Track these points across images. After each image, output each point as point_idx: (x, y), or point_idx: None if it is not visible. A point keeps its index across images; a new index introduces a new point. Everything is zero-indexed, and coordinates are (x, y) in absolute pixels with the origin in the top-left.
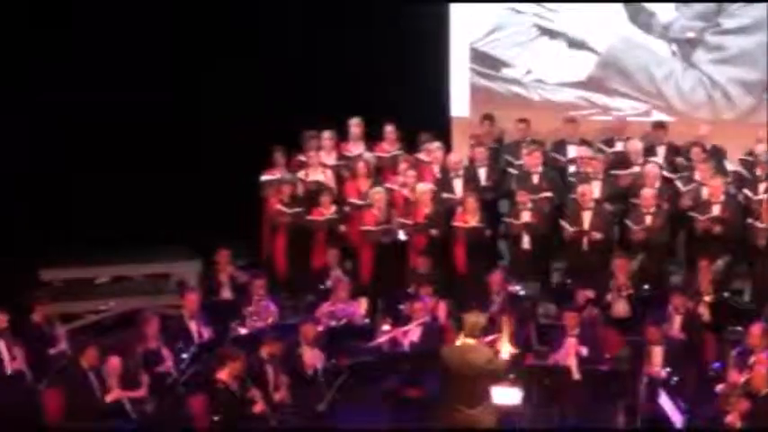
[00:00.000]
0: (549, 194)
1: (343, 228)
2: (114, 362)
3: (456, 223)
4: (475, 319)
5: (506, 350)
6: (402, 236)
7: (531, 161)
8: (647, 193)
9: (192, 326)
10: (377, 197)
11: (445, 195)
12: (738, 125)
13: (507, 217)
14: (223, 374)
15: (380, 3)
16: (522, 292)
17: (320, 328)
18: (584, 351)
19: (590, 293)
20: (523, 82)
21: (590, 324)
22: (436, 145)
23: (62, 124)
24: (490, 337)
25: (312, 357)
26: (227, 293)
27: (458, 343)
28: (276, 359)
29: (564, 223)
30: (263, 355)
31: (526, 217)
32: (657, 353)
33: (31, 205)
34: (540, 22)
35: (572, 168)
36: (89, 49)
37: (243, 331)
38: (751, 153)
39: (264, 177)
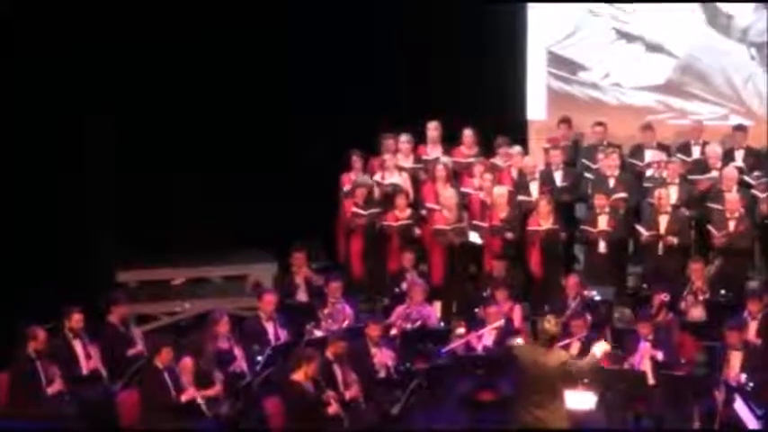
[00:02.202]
0: (623, 195)
1: (418, 231)
2: (187, 361)
3: (530, 227)
4: (547, 325)
5: (600, 348)
6: (477, 239)
7: (608, 164)
8: (732, 197)
9: (270, 327)
10: (448, 198)
11: (520, 198)
12: None
13: (584, 221)
14: (298, 376)
15: (460, 5)
16: (597, 298)
17: (394, 331)
18: (660, 355)
19: (666, 296)
20: (600, 85)
21: (666, 328)
22: (516, 149)
23: (142, 127)
24: (563, 342)
25: (383, 357)
26: (302, 295)
27: (531, 344)
28: (342, 358)
29: (639, 227)
30: (328, 355)
31: (603, 221)
32: (736, 357)
33: (110, 207)
34: (617, 25)
35: (649, 172)
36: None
37: (318, 333)
38: None
39: (345, 188)
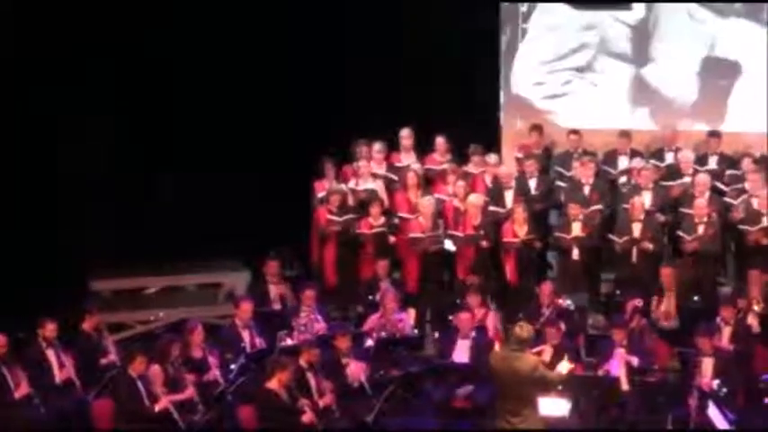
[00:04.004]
0: (599, 207)
1: (393, 239)
2: (155, 369)
3: (506, 238)
4: (519, 331)
5: (565, 367)
6: (450, 246)
7: (584, 172)
8: (700, 203)
9: (246, 335)
10: (425, 205)
11: (492, 208)
12: None
13: (557, 229)
14: (273, 384)
15: (432, 12)
16: (571, 307)
17: (370, 341)
18: (635, 361)
19: (639, 302)
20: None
21: (639, 334)
22: (492, 157)
23: (117, 130)
24: (536, 349)
25: (355, 370)
26: (277, 304)
27: (504, 350)
28: (316, 366)
29: (613, 237)
30: (302, 363)
31: (576, 229)
32: (708, 364)
33: (81, 215)
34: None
35: (623, 179)
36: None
37: (290, 341)
38: None
39: (318, 195)
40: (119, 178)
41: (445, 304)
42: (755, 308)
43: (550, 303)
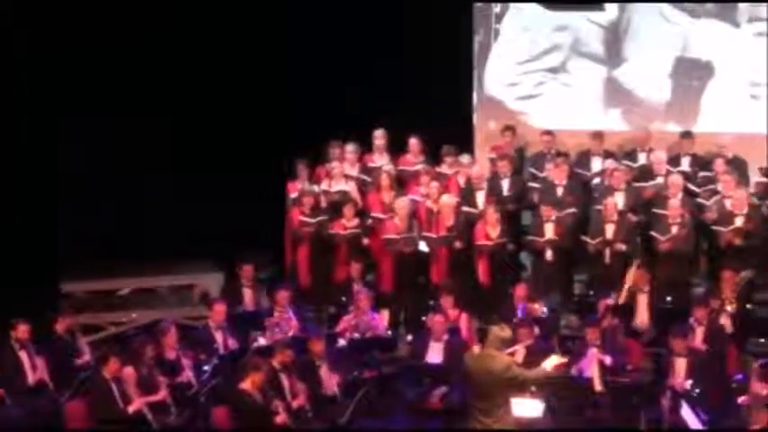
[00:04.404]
0: (573, 210)
1: (366, 241)
2: (129, 371)
3: (478, 241)
4: (499, 331)
5: (553, 361)
6: (424, 247)
7: (557, 174)
8: (675, 203)
9: (219, 336)
10: (400, 207)
11: (465, 209)
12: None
13: (531, 230)
14: (246, 385)
15: (405, 12)
16: (544, 313)
17: (342, 341)
18: (608, 360)
19: (611, 301)
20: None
21: (612, 333)
22: (465, 158)
23: (85, 132)
24: (509, 349)
25: (329, 382)
26: (251, 305)
27: (479, 351)
28: (289, 367)
29: (586, 239)
30: (275, 364)
31: (549, 231)
32: (681, 364)
33: (54, 216)
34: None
35: (596, 180)
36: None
37: (263, 342)
38: None
39: (291, 195)
40: (92, 178)
41: (419, 306)
42: (728, 308)
43: (524, 306)
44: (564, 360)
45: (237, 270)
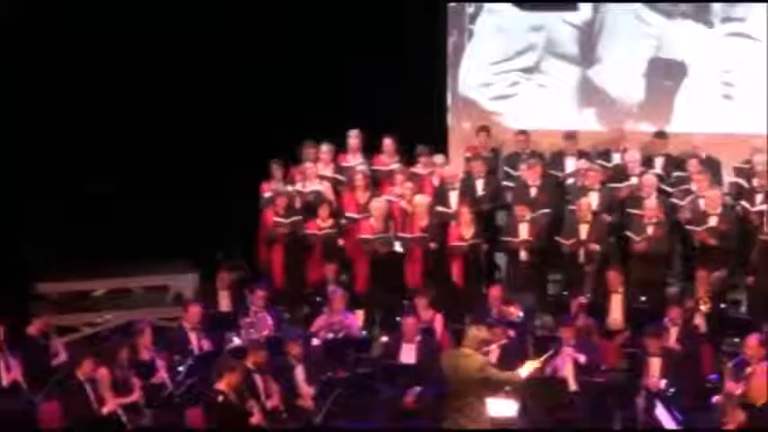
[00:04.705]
0: (547, 211)
1: (341, 241)
2: (103, 372)
3: (452, 242)
4: (476, 331)
5: (529, 367)
6: (399, 248)
7: (531, 175)
8: (651, 204)
9: (193, 338)
10: (376, 207)
11: (439, 209)
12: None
13: (505, 230)
14: (221, 385)
15: (379, 12)
16: (520, 317)
17: (316, 341)
18: (582, 358)
19: (584, 299)
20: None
21: (586, 333)
22: (439, 158)
23: (52, 136)
24: (485, 349)
25: (306, 393)
26: (226, 307)
27: (455, 350)
28: (263, 368)
29: (560, 239)
30: (249, 365)
31: (524, 231)
32: (655, 364)
33: (27, 218)
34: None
35: (570, 180)
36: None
37: (237, 342)
38: (747, 162)
39: (265, 195)
40: (65, 179)
41: (394, 306)
42: (702, 308)
43: (498, 308)
44: (539, 366)
45: (216, 280)
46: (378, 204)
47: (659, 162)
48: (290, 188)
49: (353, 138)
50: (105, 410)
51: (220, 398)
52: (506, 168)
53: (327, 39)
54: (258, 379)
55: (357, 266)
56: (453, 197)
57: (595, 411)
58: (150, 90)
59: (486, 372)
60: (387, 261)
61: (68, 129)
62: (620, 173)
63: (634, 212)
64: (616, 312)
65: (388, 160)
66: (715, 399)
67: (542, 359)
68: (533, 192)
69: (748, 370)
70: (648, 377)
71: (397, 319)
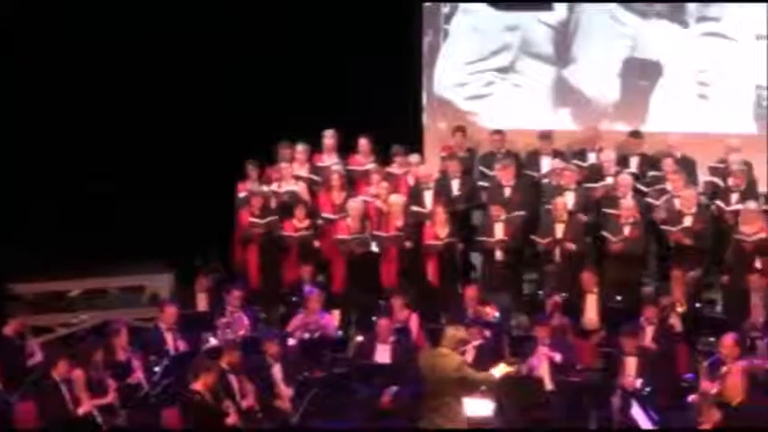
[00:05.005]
0: (521, 213)
1: (317, 243)
2: (78, 373)
3: (427, 242)
4: (454, 331)
5: (501, 370)
6: (375, 248)
7: (505, 175)
8: (627, 203)
9: (169, 338)
10: (353, 207)
11: (413, 209)
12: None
13: (480, 230)
14: (198, 385)
15: (353, 12)
16: (495, 317)
17: (293, 341)
18: (558, 357)
19: (559, 298)
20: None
21: (561, 332)
22: (414, 157)
23: (29, 136)
24: (462, 348)
25: (282, 381)
26: (203, 307)
27: (432, 350)
28: (237, 368)
29: (536, 238)
30: (223, 365)
31: (499, 231)
32: (631, 363)
33: (1, 218)
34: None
35: (545, 180)
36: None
37: (213, 342)
38: (722, 162)
39: (240, 195)
40: (39, 180)
41: (370, 306)
42: (679, 310)
43: (474, 308)
44: (511, 369)
45: (191, 278)
46: (354, 205)
47: (634, 162)
48: (265, 188)
49: (329, 138)
50: (81, 411)
51: (196, 398)
52: (482, 168)
53: (302, 39)
54: (233, 379)
55: (333, 266)
56: (428, 197)
57: (571, 411)
58: (125, 93)
59: (463, 371)
60: (363, 261)
61: (49, 128)
62: (596, 173)
63: (610, 212)
64: (591, 312)
65: (363, 160)
66: (690, 398)
67: (515, 363)
68: (507, 192)
69: (723, 369)
70: (624, 376)
71: (373, 318)
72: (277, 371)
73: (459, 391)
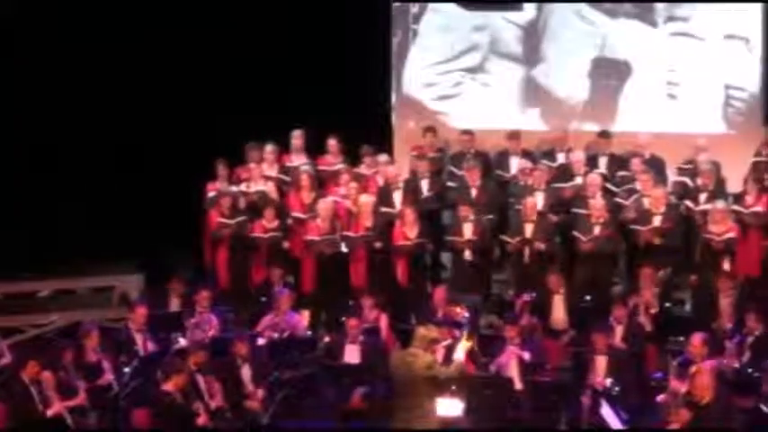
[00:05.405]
0: (490, 217)
1: (287, 244)
2: (47, 375)
3: (397, 242)
4: (425, 331)
5: (463, 347)
6: (344, 248)
7: (470, 176)
8: (596, 203)
9: (139, 339)
10: (324, 208)
11: (383, 209)
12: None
13: (449, 230)
14: (169, 386)
15: (322, 13)
16: (465, 318)
17: (262, 341)
18: (527, 355)
19: (528, 297)
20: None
21: (530, 332)
22: (383, 157)
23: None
24: (434, 347)
25: (251, 382)
26: (175, 308)
27: (403, 350)
28: (205, 368)
29: (505, 237)
30: (190, 365)
31: (468, 231)
32: (601, 362)
33: None
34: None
35: (515, 180)
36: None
37: (183, 342)
38: (691, 162)
39: (209, 194)
40: (8, 180)
41: (340, 306)
42: (651, 311)
43: (443, 308)
44: (471, 343)
45: (169, 287)
46: (324, 205)
47: (603, 161)
48: (234, 189)
49: (297, 138)
50: (50, 412)
51: (167, 399)
52: (451, 168)
53: (271, 39)
54: (200, 379)
55: (303, 266)
56: (398, 197)
57: (541, 410)
58: (98, 90)
59: (434, 370)
60: (333, 261)
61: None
62: (565, 173)
63: (580, 212)
64: (559, 312)
65: (333, 160)
66: (660, 397)
67: (473, 341)
68: (474, 192)
69: (693, 368)
70: (594, 375)
71: (343, 319)
72: (246, 371)
73: (430, 390)
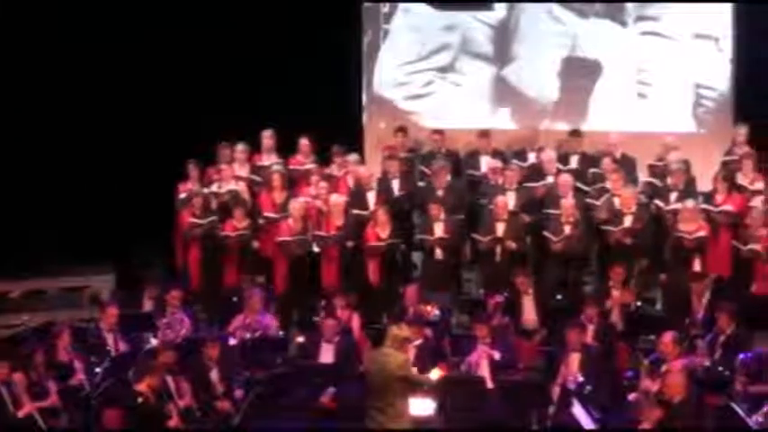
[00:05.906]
0: (461, 216)
1: (256, 244)
2: (18, 376)
3: (369, 243)
4: (397, 330)
5: (435, 374)
6: (315, 248)
7: (437, 177)
8: (567, 203)
9: (110, 339)
10: (295, 208)
11: (355, 211)
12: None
13: (420, 229)
14: (141, 386)
15: (293, 14)
16: (436, 315)
17: (233, 341)
18: (497, 355)
19: (500, 298)
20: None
21: (502, 331)
22: (353, 157)
23: None
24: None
25: (220, 383)
26: (148, 307)
27: (376, 349)
28: (173, 368)
29: (477, 236)
30: (162, 366)
31: (438, 229)
32: (575, 359)
33: None
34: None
35: (486, 179)
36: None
37: (154, 342)
38: (661, 160)
39: (180, 195)
40: None
41: (311, 306)
42: (632, 306)
43: (414, 307)
44: (444, 373)
45: (144, 291)
46: (296, 205)
47: (574, 160)
48: (205, 189)
49: (268, 138)
50: (21, 413)
51: (140, 400)
52: (422, 167)
53: (242, 39)
54: (170, 379)
55: (275, 267)
56: (370, 198)
57: (512, 410)
58: (70, 91)
59: (406, 369)
60: (304, 261)
61: None
62: (536, 172)
63: (551, 212)
64: (529, 313)
65: (304, 160)
66: (631, 396)
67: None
68: (440, 193)
69: (664, 367)
70: (566, 371)
71: (315, 319)
72: (216, 372)
73: (403, 390)
